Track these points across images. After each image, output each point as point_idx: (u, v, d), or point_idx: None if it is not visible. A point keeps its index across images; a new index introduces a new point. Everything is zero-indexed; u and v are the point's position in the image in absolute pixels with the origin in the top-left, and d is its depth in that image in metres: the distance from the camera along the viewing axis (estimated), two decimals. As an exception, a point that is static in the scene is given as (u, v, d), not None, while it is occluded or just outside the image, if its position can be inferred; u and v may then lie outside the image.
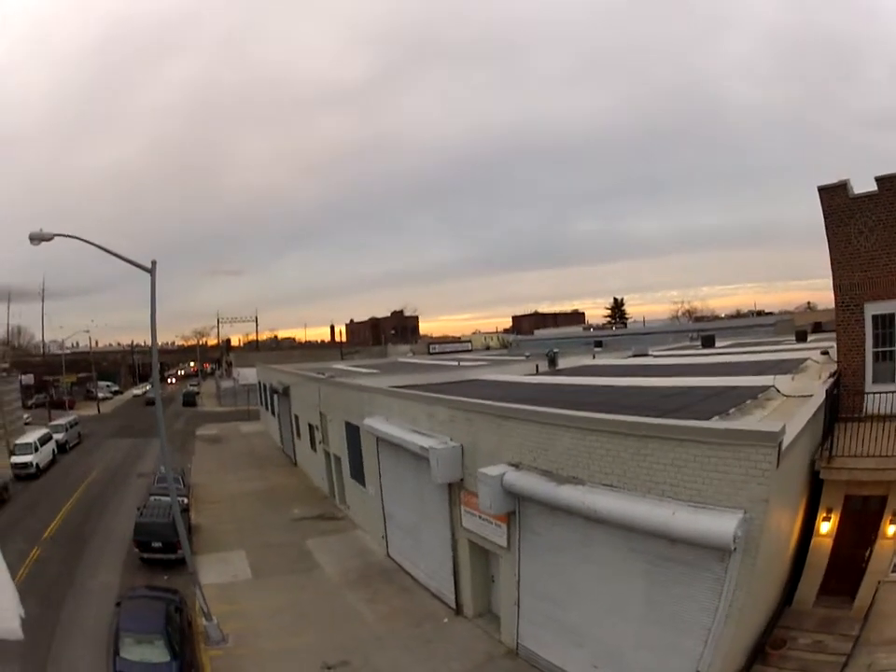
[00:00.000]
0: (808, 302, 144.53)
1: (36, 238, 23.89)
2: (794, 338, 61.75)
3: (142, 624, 21.61)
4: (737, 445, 15.26)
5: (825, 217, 25.31)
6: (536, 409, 21.42)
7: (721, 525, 14.83)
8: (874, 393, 22.94)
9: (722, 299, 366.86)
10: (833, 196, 24.94)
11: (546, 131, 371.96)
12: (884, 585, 19.95)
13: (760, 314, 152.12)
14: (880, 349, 24.41)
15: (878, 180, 23.75)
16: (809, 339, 58.23)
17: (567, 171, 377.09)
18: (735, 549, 14.83)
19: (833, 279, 25.35)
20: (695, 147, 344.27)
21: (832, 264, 25.31)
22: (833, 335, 27.70)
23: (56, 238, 24.15)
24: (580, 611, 20.05)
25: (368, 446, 34.80)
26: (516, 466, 21.52)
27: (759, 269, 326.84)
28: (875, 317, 24.38)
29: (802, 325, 75.89)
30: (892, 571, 20.23)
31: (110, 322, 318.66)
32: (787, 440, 15.61)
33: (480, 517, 23.83)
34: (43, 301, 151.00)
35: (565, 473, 19.55)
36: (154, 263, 25.25)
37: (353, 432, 37.52)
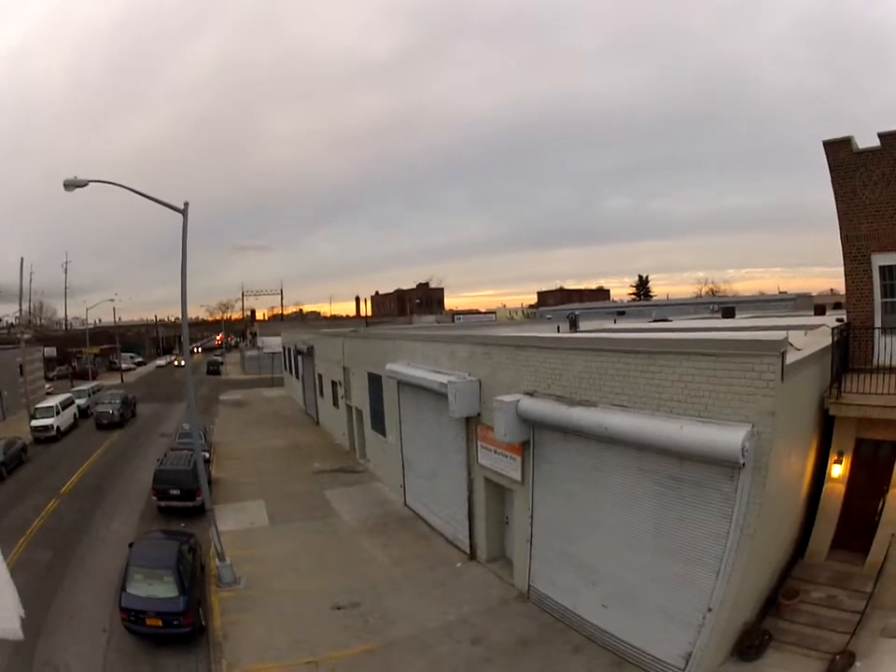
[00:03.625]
0: (831, 289, 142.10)
1: (71, 184, 24.03)
2: (813, 312, 61.32)
3: (152, 561, 22.03)
4: (742, 356, 15.62)
5: (831, 171, 25.31)
6: (550, 335, 21.55)
7: (729, 437, 15.08)
8: (882, 327, 23.39)
9: (748, 282, 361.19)
10: (838, 150, 24.92)
11: (578, 108, 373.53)
12: None
13: (783, 293, 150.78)
14: (888, 300, 24.42)
15: (881, 136, 23.83)
16: (828, 313, 57.73)
17: (598, 148, 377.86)
18: (743, 464, 15.07)
19: (841, 230, 25.31)
20: (729, 130, 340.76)
21: (838, 216, 25.33)
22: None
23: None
24: (592, 543, 20.38)
25: (389, 393, 35.44)
26: (531, 394, 21.91)
27: (786, 254, 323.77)
28: (882, 268, 24.37)
29: (821, 303, 75.36)
30: None
31: (135, 300, 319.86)
32: (792, 358, 16.07)
33: (495, 452, 24.30)
34: (66, 273, 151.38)
35: (577, 397, 19.96)
36: (186, 204, 25.51)
37: (375, 382, 38.31)
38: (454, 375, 26.41)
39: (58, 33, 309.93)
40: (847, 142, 24.72)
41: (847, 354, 23.17)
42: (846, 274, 25.47)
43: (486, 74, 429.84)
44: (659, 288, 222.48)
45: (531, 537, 22.93)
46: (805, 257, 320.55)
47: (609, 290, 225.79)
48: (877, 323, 24.14)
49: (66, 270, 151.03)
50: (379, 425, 38.57)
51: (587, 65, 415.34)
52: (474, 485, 26.71)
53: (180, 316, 28.14)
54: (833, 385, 21.02)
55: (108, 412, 62.26)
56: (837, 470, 21.47)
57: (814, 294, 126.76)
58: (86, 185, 24.26)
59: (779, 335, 16.00)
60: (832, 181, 25.22)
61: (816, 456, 21.64)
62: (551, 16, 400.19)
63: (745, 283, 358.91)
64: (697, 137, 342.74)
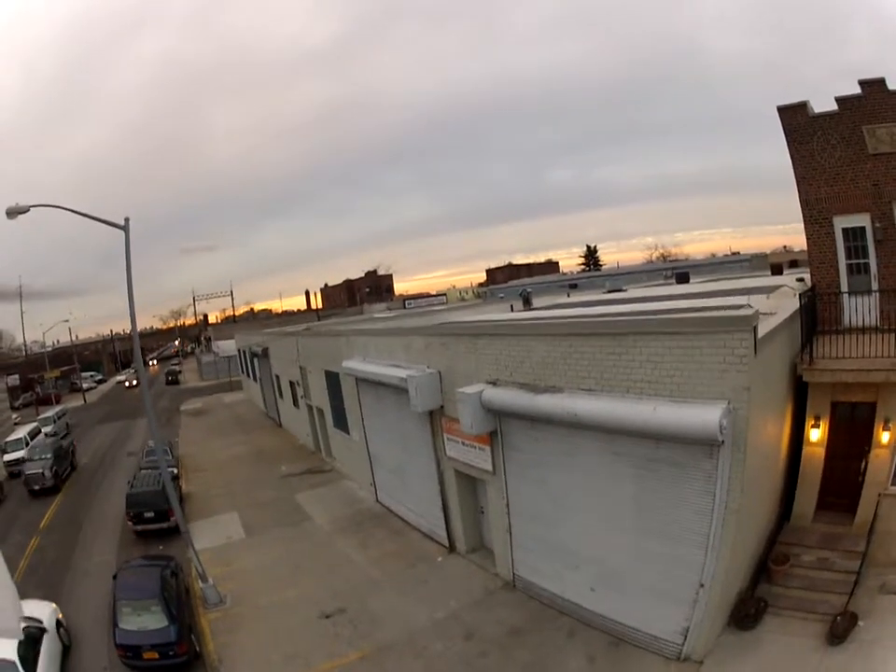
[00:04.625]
0: (784, 246, 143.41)
1: (13, 212, 22.83)
2: (769, 272, 60.87)
3: (138, 592, 21.21)
4: (713, 333, 14.89)
5: (786, 135, 24.78)
6: (508, 321, 20.66)
7: (705, 415, 14.36)
8: (849, 293, 22.71)
9: (698, 244, 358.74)
10: (794, 115, 24.47)
11: (520, 84, 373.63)
12: (885, 499, 19.40)
13: (735, 254, 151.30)
14: (853, 261, 23.92)
15: (839, 100, 23.34)
16: (785, 272, 57.37)
17: (541, 123, 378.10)
18: (722, 441, 14.43)
19: (800, 194, 24.73)
20: (673, 96, 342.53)
21: (797, 180, 24.77)
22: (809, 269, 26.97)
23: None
24: (572, 528, 19.61)
25: (349, 390, 34.37)
26: (494, 383, 20.99)
27: (735, 215, 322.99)
28: (845, 230, 23.90)
29: (777, 262, 74.98)
30: (892, 484, 19.60)
31: (89, 314, 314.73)
32: (763, 330, 15.30)
33: (463, 443, 23.40)
34: (21, 300, 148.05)
35: (542, 384, 18.99)
36: (127, 220, 24.46)
37: (333, 380, 37.17)
38: (412, 369, 25.35)
39: (4, 49, 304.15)
40: (802, 106, 24.25)
41: (815, 317, 22.55)
42: (807, 238, 24.90)
43: (426, 55, 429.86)
44: (608, 257, 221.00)
45: (509, 526, 22.09)
46: (755, 216, 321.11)
47: (558, 263, 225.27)
48: (843, 285, 23.67)
49: (21, 294, 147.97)
50: (342, 423, 37.40)
51: (528, 41, 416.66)
52: (445, 477, 25.73)
53: (131, 330, 27.11)
54: (804, 351, 20.45)
55: (38, 472, 43.91)
56: (815, 435, 20.91)
57: (768, 252, 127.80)
58: (27, 211, 22.95)
59: (748, 308, 15.26)
60: (788, 145, 24.74)
61: (792, 421, 21.08)
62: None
63: (696, 245, 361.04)
64: (643, 106, 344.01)
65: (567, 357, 18.14)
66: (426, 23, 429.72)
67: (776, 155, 24.58)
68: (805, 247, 25.34)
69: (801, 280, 35.79)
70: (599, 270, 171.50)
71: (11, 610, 11.48)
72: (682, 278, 63.89)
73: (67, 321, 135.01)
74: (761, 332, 15.00)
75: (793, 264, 71.12)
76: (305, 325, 55.13)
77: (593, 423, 16.89)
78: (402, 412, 26.70)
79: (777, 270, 58.61)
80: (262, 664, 20.01)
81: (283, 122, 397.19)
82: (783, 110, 24.60)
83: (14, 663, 18.31)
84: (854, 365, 19.07)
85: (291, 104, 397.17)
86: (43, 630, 20.89)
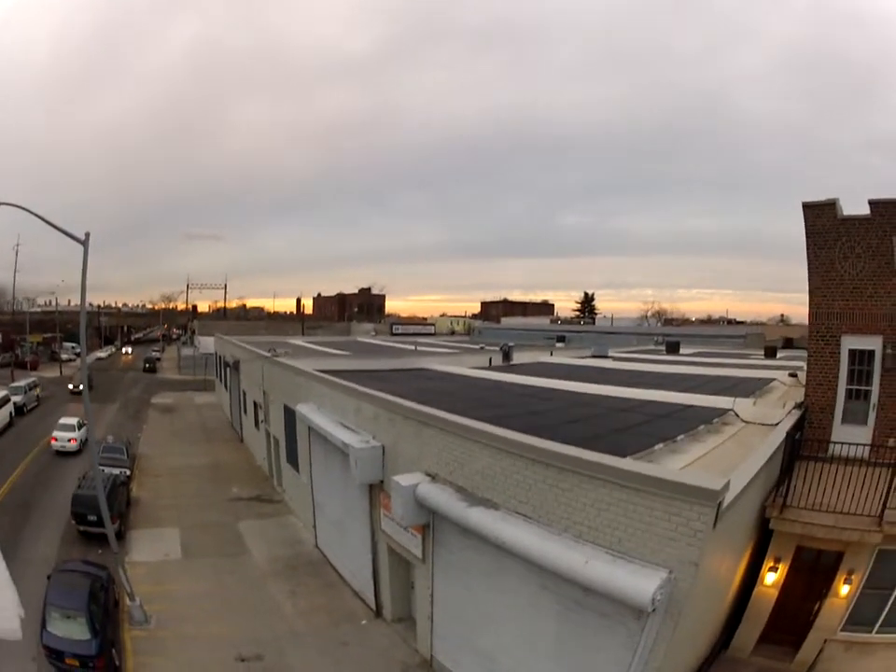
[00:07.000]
0: (782, 315, 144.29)
1: None
2: (763, 353, 60.65)
3: (67, 601, 21.29)
4: (668, 498, 12.79)
5: (808, 237, 23.14)
6: (454, 419, 19.18)
7: (638, 583, 12.58)
8: (839, 443, 19.92)
9: (696, 302, 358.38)
10: (819, 215, 22.84)
11: (546, 121, 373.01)
12: (830, 644, 17.97)
13: (731, 322, 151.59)
14: (854, 387, 22.52)
15: (872, 204, 21.75)
16: (779, 355, 57.09)
17: (561, 162, 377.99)
18: (653, 610, 12.55)
19: (811, 305, 23.34)
20: (694, 151, 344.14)
21: (810, 288, 23.28)
22: (804, 353, 25.94)
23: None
24: (492, 638, 18.37)
25: (302, 432, 33.15)
26: (433, 477, 19.79)
27: (737, 277, 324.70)
28: (852, 352, 22.47)
29: (772, 339, 74.70)
30: (841, 630, 18.20)
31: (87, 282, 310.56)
32: (731, 495, 13.13)
33: (397, 523, 22.25)
34: (17, 256, 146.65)
35: (480, 494, 17.60)
36: (87, 235, 24.17)
37: (290, 417, 35.79)
38: (358, 435, 24.32)
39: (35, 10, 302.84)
40: (830, 206, 22.61)
41: (800, 442, 20.38)
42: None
43: (459, 79, 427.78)
44: (605, 305, 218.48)
45: (432, 614, 21.04)
46: (758, 280, 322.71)
47: (553, 305, 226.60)
48: (839, 409, 22.32)
49: (17, 252, 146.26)
50: (293, 459, 36.10)
51: (559, 80, 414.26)
52: (378, 549, 24.71)
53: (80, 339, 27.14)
54: (778, 491, 18.67)
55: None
56: (771, 578, 19.37)
57: (765, 321, 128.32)
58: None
59: (717, 479, 13.55)
60: (807, 249, 23.10)
61: (750, 558, 19.50)
62: (533, 26, 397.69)
63: (694, 303, 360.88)
64: (666, 158, 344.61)
65: (507, 475, 16.53)
66: (465, 47, 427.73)
67: (784, 222, 23.85)
68: (805, 319, 24.24)
69: (794, 376, 35.43)
70: (593, 318, 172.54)
71: (12, 611, 11.37)
72: (672, 348, 64.29)
73: (54, 294, 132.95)
74: (730, 495, 13.01)
75: (788, 343, 71.39)
76: (282, 348, 53.87)
77: (519, 554, 15.41)
78: (346, 472, 25.06)
79: (770, 352, 58.79)
80: (174, 693, 19.85)
81: (303, 125, 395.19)
82: (809, 207, 23.13)
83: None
84: (829, 521, 17.35)
85: (314, 108, 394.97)
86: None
